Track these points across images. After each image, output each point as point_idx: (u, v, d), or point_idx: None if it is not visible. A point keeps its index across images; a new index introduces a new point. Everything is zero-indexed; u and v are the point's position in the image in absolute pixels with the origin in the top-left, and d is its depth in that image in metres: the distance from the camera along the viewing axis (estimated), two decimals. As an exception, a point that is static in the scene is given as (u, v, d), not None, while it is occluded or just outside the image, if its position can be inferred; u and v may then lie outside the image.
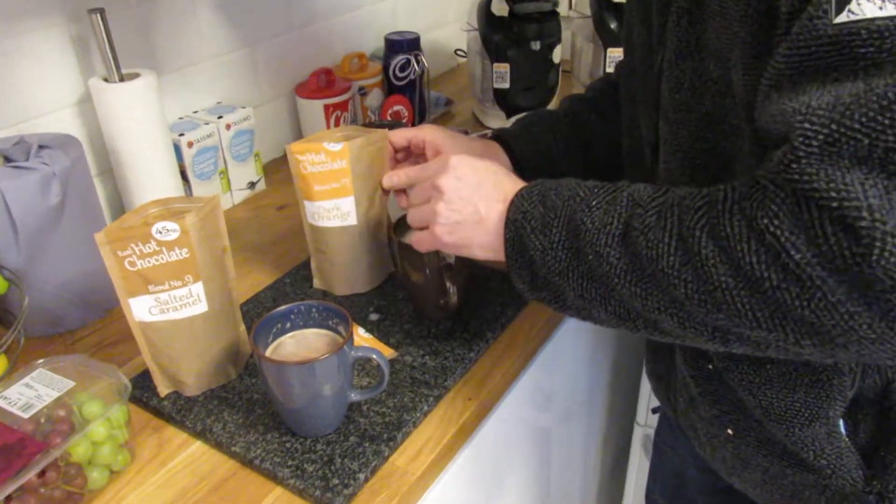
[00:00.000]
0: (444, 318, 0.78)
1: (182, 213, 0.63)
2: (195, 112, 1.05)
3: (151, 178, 0.91)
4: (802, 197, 0.40)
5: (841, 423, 0.56)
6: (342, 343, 0.60)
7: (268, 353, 0.63)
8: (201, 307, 0.65)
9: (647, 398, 1.23)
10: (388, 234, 0.81)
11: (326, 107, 1.15)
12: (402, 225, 0.78)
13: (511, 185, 0.60)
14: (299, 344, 0.64)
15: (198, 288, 0.64)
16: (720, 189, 0.46)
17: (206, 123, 1.01)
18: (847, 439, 0.57)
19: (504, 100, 1.26)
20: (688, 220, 0.46)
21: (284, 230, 1.00)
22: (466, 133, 1.17)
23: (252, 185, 1.10)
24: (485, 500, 0.83)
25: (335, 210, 0.78)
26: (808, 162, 0.39)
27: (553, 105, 1.31)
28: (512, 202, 0.57)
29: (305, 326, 0.66)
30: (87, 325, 0.82)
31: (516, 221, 0.56)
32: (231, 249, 0.97)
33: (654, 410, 1.19)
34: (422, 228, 0.64)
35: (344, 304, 0.82)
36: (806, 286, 0.41)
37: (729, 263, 0.43)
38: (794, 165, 0.40)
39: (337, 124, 1.18)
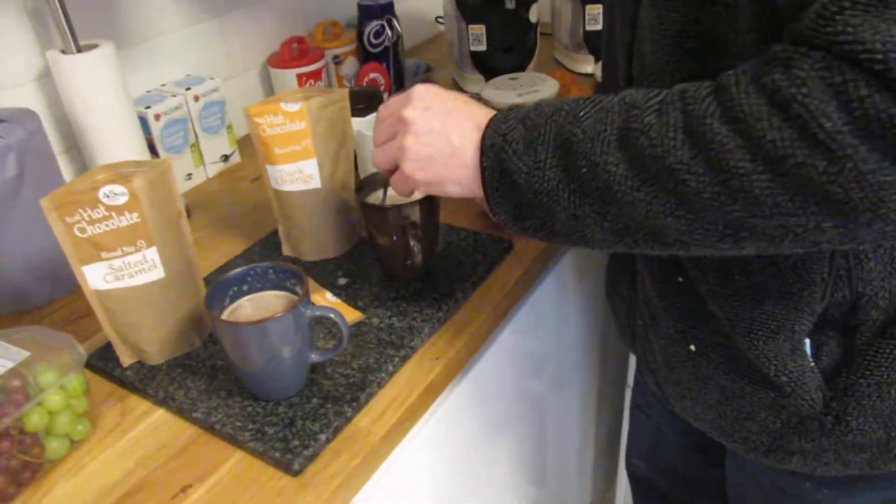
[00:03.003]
0: (414, 280, 0.77)
1: (130, 177, 0.62)
2: (163, 85, 1.04)
3: (117, 152, 0.89)
4: (839, 56, 0.37)
5: (807, 342, 0.55)
6: (297, 301, 0.59)
7: (224, 316, 0.62)
8: (157, 273, 0.64)
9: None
10: (356, 194, 0.79)
11: (299, 76, 1.13)
12: (366, 185, 0.76)
13: (483, 113, 0.55)
14: (257, 306, 0.63)
15: (152, 253, 0.63)
16: (728, 74, 0.43)
17: (174, 96, 0.99)
18: (811, 359, 0.55)
19: (482, 63, 1.24)
20: (695, 111, 0.43)
21: (258, 201, 0.98)
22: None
23: (226, 157, 1.08)
24: (464, 460, 0.82)
25: (298, 173, 0.77)
26: (852, 13, 0.37)
27: (531, 68, 1.28)
28: (488, 126, 0.53)
29: (263, 289, 0.64)
30: (56, 301, 0.81)
31: (495, 146, 0.52)
32: (203, 222, 0.96)
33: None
34: (392, 171, 0.60)
35: (313, 270, 0.80)
36: (835, 157, 0.38)
37: (746, 147, 0.41)
38: (837, 17, 0.37)
39: (311, 94, 1.15)
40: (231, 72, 1.15)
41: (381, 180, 0.76)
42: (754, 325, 0.56)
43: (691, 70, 0.53)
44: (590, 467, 1.32)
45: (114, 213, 0.61)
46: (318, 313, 0.60)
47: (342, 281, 0.78)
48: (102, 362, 0.69)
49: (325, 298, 0.75)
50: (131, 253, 0.62)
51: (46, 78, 0.90)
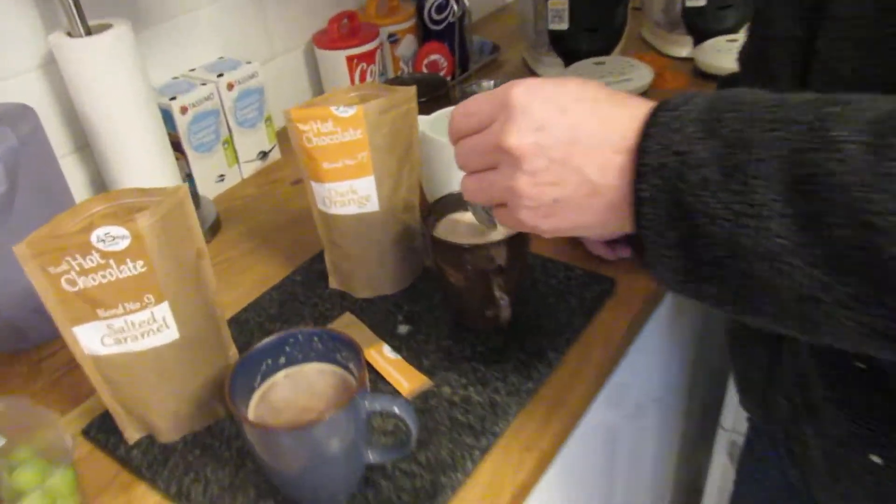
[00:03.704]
0: (493, 331, 0.61)
1: (135, 213, 0.46)
2: (191, 71, 0.88)
3: (134, 153, 0.74)
4: None
5: None
6: (353, 392, 0.44)
7: (254, 401, 0.47)
8: (170, 334, 0.49)
9: (736, 399, 1.04)
10: (422, 221, 0.63)
11: (349, 58, 0.97)
12: (436, 210, 0.60)
13: (628, 114, 0.36)
14: (297, 386, 0.48)
15: (162, 310, 0.48)
16: None
17: (203, 84, 0.84)
18: None
19: (561, 43, 1.06)
20: None
21: (300, 210, 0.83)
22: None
23: (264, 154, 0.93)
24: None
25: (351, 194, 0.61)
26: None
27: (618, 51, 1.09)
28: (648, 135, 0.35)
29: (305, 360, 0.49)
30: (57, 340, 0.67)
31: (666, 170, 0.34)
32: (235, 236, 0.81)
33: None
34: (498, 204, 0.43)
35: (367, 310, 0.65)
36: None
37: None
38: None
39: (363, 79, 0.99)
40: (271, 53, 0.99)
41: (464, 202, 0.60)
42: None
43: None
44: (668, 511, 1.16)
45: (112, 262, 0.46)
46: (378, 406, 0.45)
47: (403, 328, 0.63)
48: (104, 435, 0.55)
49: (382, 355, 0.60)
50: (136, 311, 0.47)
51: (51, 65, 0.75)
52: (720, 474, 1.13)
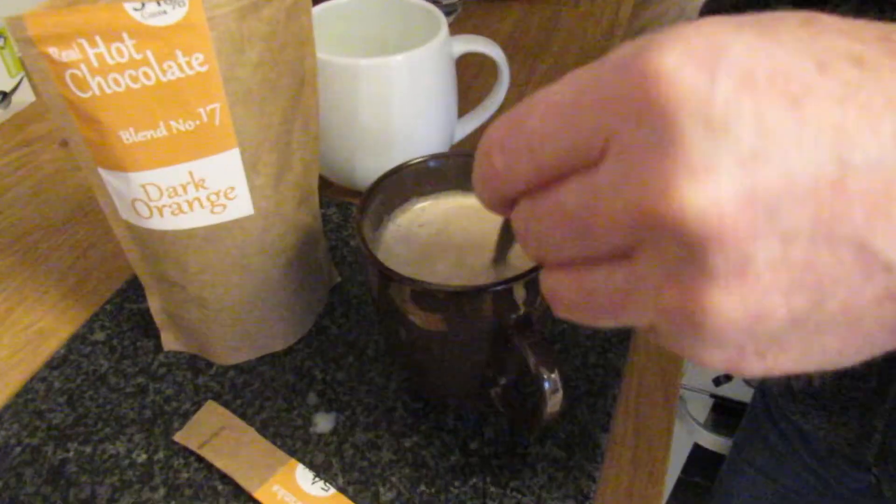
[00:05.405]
0: (486, 406, 0.34)
1: None
2: None
3: None
4: None
5: None
6: None
7: None
8: None
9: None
10: (359, 235, 0.34)
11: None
12: (376, 205, 0.31)
13: None
14: None
15: None
16: None
17: None
18: None
19: None
20: None
21: (82, 192, 0.49)
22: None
23: (3, 98, 0.56)
24: None
25: (193, 189, 0.30)
26: None
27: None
28: None
29: None
30: None
31: None
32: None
33: (719, 381, 0.85)
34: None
35: (245, 391, 0.35)
36: None
37: None
38: None
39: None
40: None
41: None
42: None
43: None
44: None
45: None
46: None
47: (322, 421, 0.34)
48: None
49: (295, 488, 0.31)
50: None
51: None
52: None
